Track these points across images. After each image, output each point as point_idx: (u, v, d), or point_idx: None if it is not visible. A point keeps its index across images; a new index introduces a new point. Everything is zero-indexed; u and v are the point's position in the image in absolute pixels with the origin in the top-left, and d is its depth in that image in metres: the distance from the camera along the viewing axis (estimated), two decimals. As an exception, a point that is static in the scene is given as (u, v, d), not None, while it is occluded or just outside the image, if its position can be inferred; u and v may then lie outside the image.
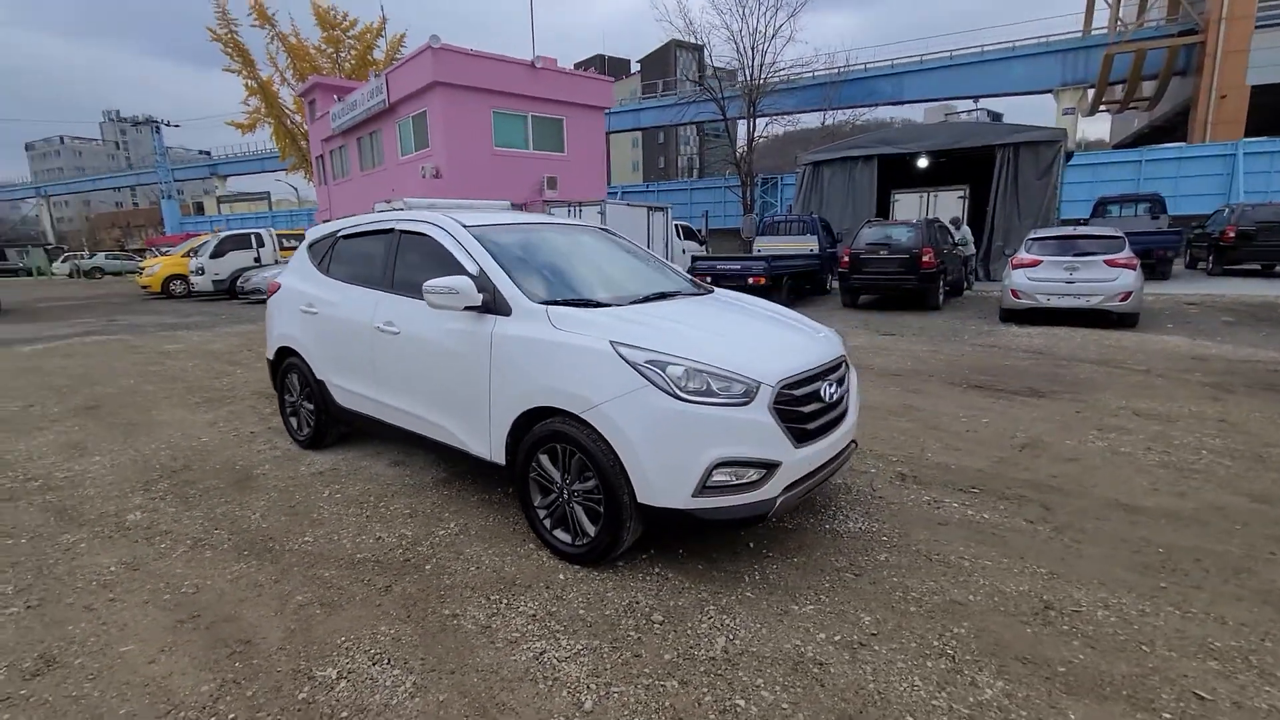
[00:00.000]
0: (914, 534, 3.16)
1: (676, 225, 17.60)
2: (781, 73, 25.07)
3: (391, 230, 3.91)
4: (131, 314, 14.65)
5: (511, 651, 2.32)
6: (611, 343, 2.75)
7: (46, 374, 7.58)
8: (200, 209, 55.79)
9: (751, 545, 3.08)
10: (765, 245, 14.63)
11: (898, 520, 3.32)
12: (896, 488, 3.74)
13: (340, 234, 4.40)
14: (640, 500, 2.64)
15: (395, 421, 3.76)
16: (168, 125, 44.23)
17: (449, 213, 3.81)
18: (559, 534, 2.99)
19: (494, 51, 18.73)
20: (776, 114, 25.27)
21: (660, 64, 60.55)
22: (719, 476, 2.61)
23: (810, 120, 28.41)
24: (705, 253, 18.72)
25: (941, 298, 11.87)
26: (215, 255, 17.04)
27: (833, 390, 3.01)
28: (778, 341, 3.14)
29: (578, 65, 58.26)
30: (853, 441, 3.30)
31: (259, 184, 56.90)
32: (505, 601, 2.64)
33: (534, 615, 2.54)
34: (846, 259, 11.85)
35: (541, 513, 3.05)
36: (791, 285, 13.14)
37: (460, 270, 3.33)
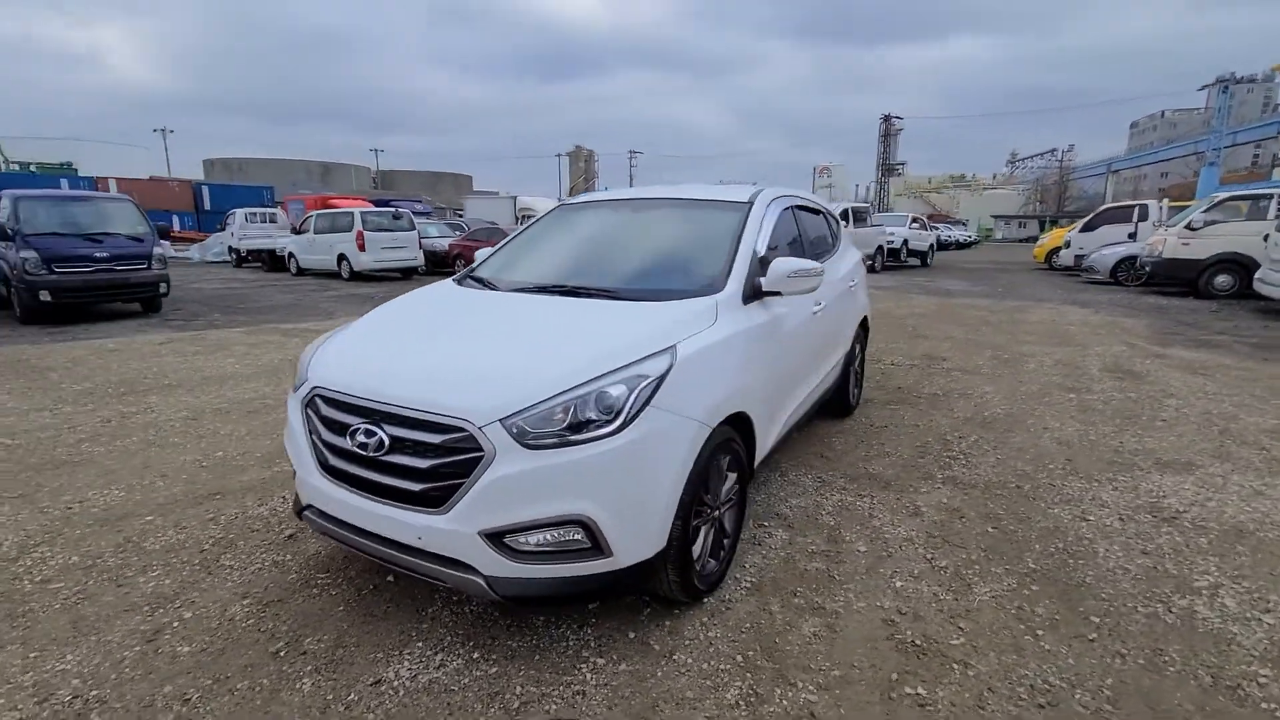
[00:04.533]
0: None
1: None
2: None
3: None
4: (982, 280, 16.15)
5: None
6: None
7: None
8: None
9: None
10: None
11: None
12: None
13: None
14: None
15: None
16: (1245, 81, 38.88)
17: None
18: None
19: None
20: None
21: None
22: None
23: None
24: None
25: None
26: (1086, 229, 15.93)
27: (372, 440, 2.04)
28: (433, 354, 2.30)
29: None
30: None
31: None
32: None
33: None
34: None
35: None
36: None
37: None
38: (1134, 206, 15.82)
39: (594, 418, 1.94)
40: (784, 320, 2.98)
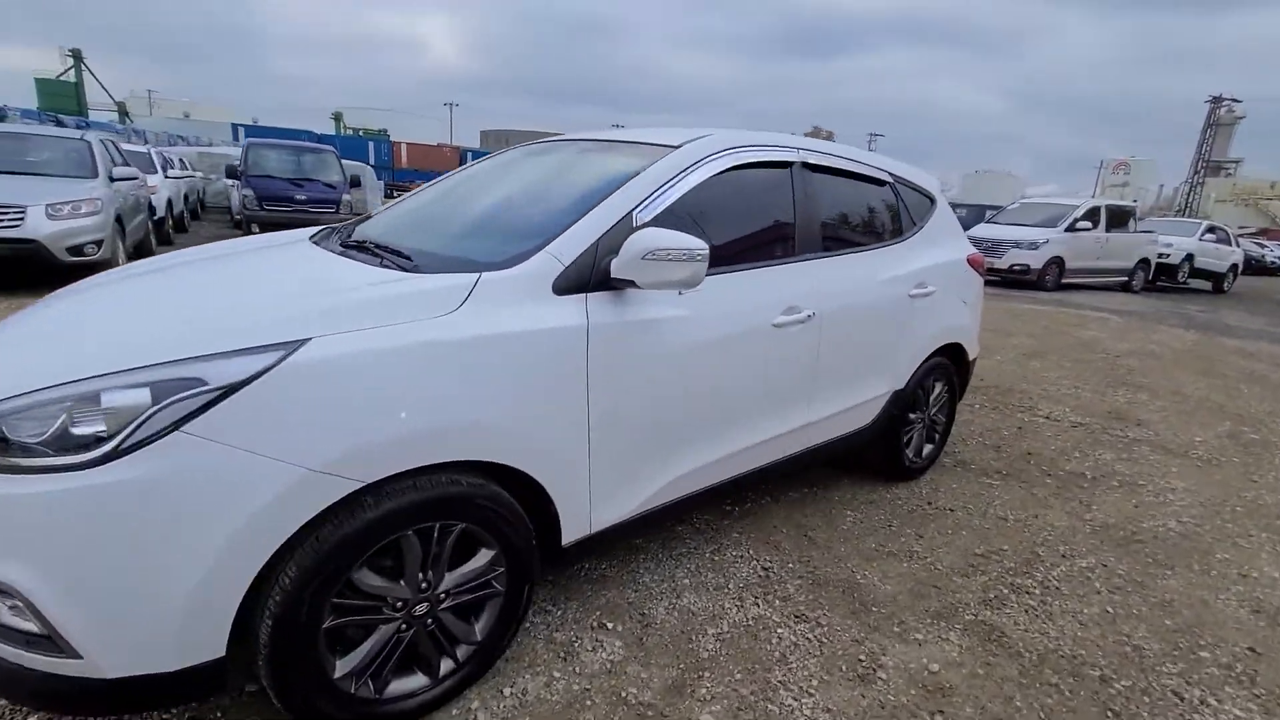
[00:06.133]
0: None
1: None
2: None
3: None
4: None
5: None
6: None
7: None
8: None
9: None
10: None
11: None
12: None
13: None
14: None
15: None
16: None
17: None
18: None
19: None
20: None
21: None
22: None
23: None
24: None
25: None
26: None
27: None
28: (83, 318, 1.77)
29: None
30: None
31: None
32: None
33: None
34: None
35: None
36: None
37: None
38: None
39: (103, 434, 1.23)
40: (670, 329, 1.92)
